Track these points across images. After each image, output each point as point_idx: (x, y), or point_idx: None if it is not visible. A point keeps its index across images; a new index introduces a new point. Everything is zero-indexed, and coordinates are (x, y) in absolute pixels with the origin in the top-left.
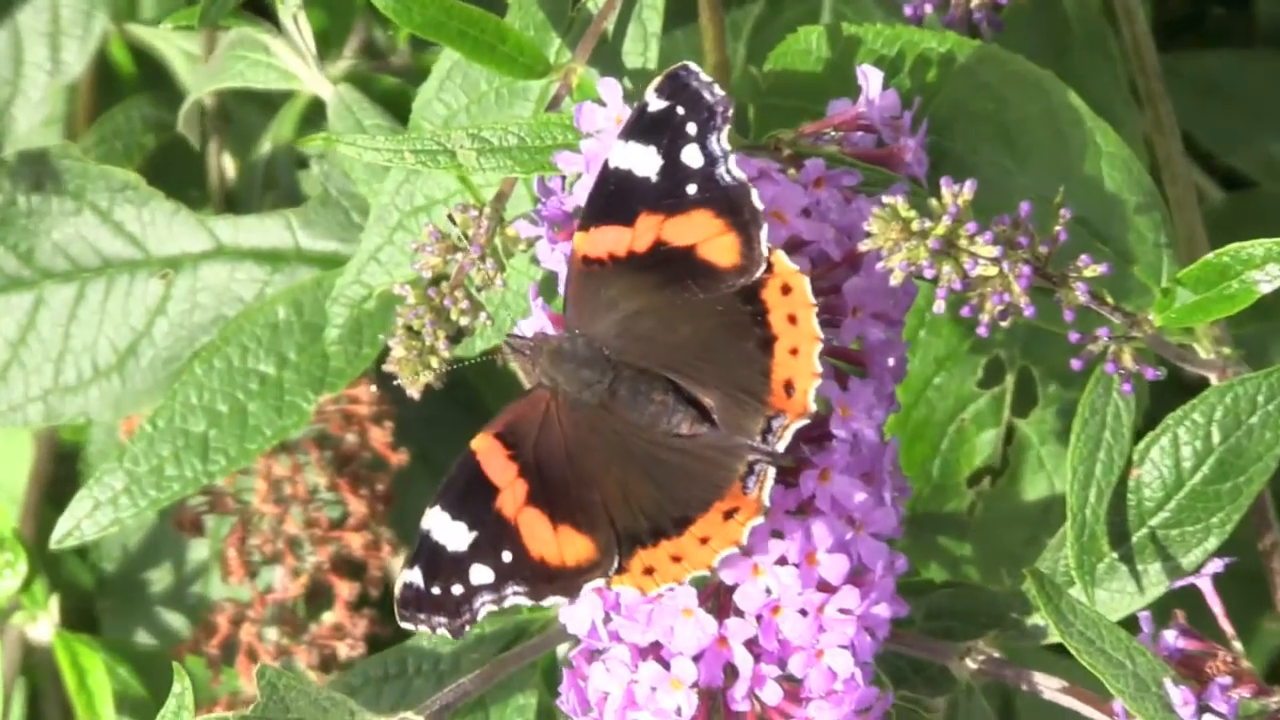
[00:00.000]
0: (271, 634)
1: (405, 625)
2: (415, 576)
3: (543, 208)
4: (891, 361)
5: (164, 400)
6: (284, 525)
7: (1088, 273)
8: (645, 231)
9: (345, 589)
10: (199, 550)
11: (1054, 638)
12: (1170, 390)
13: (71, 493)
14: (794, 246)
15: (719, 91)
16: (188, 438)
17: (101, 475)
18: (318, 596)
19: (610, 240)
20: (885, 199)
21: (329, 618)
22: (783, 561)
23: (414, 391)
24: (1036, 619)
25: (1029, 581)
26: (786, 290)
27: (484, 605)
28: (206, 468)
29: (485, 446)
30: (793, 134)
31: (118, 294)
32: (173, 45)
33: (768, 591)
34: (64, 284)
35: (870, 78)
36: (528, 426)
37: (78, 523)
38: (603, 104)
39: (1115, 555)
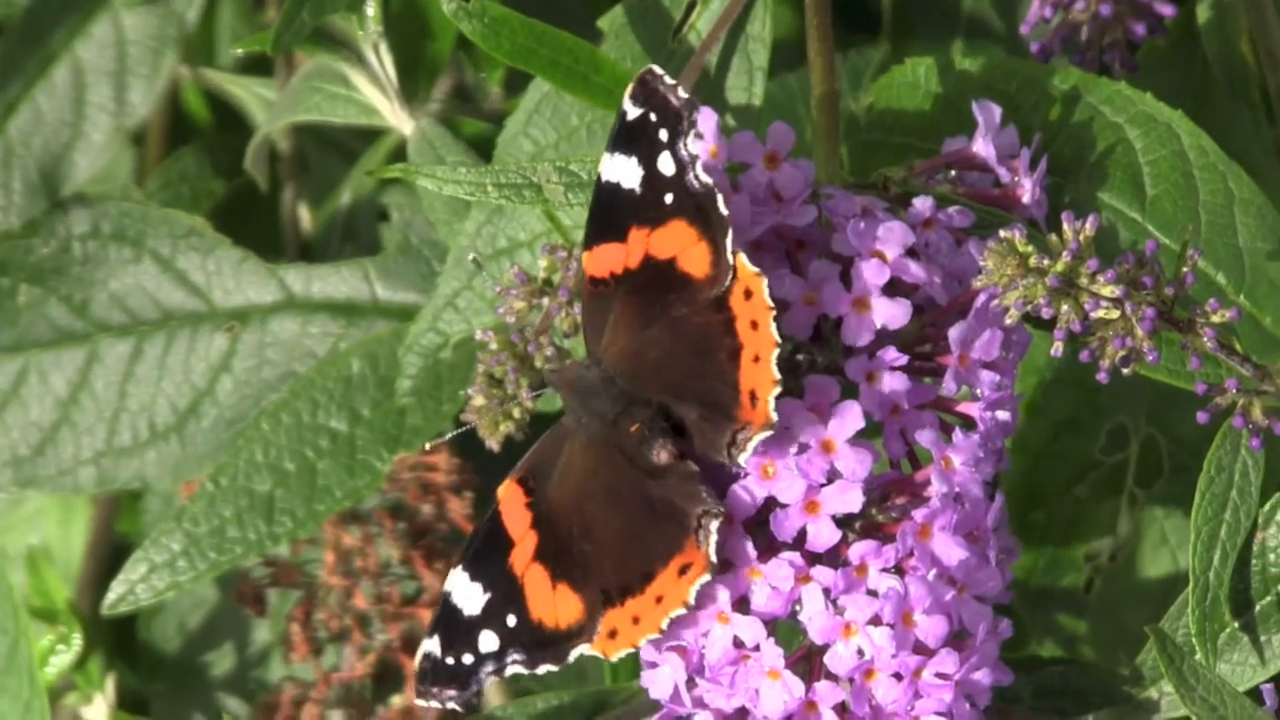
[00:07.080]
0: (336, 717)
1: (420, 702)
2: (434, 645)
3: None
4: (1002, 415)
5: (227, 457)
6: (353, 600)
7: (1215, 318)
8: (636, 246)
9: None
10: (262, 632)
11: (1169, 713)
12: None
13: None
14: (897, 290)
15: (684, 94)
16: (252, 497)
17: (158, 536)
18: (386, 677)
19: (610, 258)
20: (1002, 233)
21: (398, 700)
22: (877, 621)
23: (493, 443)
24: (1151, 692)
25: (1150, 644)
26: (748, 295)
27: (488, 676)
28: (271, 530)
29: (508, 495)
30: (903, 172)
31: (179, 349)
32: (251, 92)
33: (860, 653)
34: (120, 338)
35: (986, 113)
36: (549, 468)
37: (131, 587)
38: (699, 136)
39: (1237, 624)
